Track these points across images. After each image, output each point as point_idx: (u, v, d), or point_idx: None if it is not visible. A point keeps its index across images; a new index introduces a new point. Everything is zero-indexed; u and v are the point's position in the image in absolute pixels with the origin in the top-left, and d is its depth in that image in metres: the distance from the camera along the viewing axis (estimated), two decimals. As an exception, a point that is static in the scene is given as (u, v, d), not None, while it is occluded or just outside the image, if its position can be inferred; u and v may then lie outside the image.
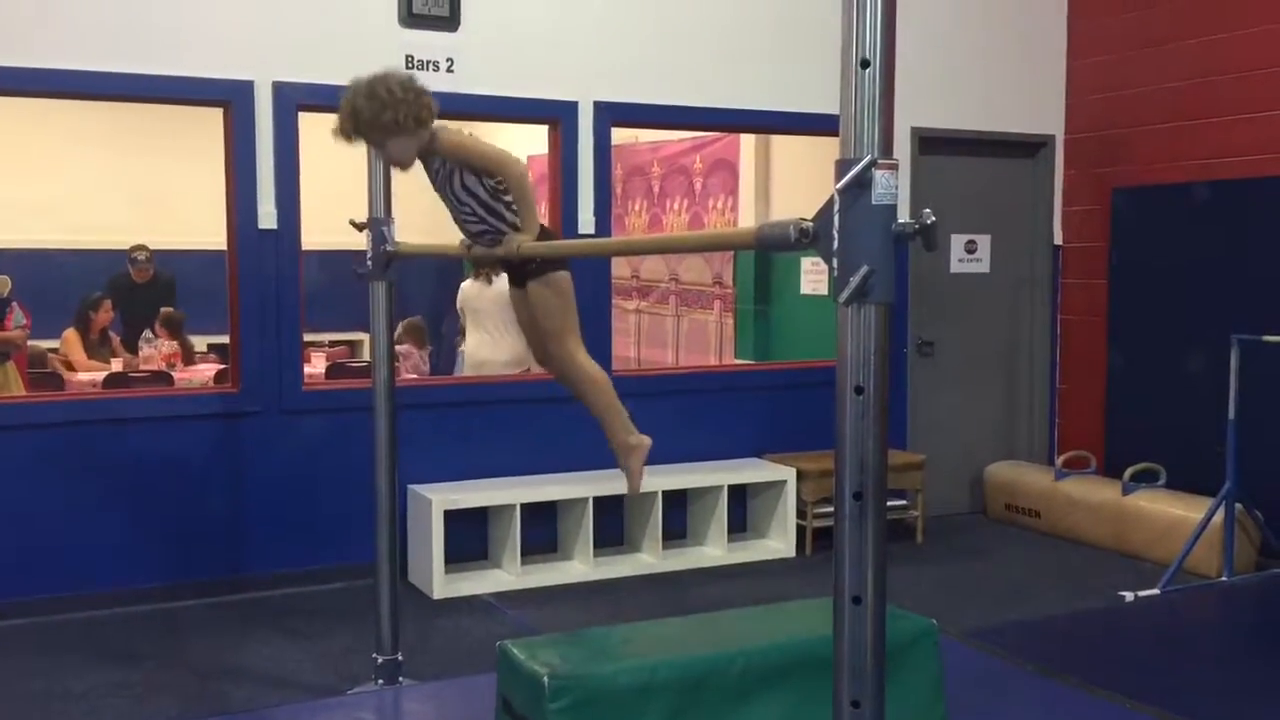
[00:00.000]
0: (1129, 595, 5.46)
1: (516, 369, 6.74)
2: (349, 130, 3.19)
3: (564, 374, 3.55)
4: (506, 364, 6.83)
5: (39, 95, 5.55)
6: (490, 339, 6.95)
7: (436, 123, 3.28)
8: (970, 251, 7.16)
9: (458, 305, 7.31)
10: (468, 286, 7.19)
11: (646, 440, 3.52)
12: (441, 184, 3.35)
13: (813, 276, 7.64)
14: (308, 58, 5.43)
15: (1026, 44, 7.09)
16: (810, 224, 1.82)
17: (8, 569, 5.11)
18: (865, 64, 1.69)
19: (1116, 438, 6.87)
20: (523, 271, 3.40)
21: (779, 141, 7.99)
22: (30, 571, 5.15)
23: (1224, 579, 5.64)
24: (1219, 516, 5.62)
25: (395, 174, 3.72)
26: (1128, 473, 6.26)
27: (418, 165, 3.38)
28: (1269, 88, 6.08)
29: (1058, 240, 7.30)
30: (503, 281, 6.40)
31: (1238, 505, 5.64)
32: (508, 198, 3.30)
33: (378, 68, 3.26)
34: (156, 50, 5.19)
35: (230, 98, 5.36)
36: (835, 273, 1.75)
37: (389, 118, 3.13)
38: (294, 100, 5.44)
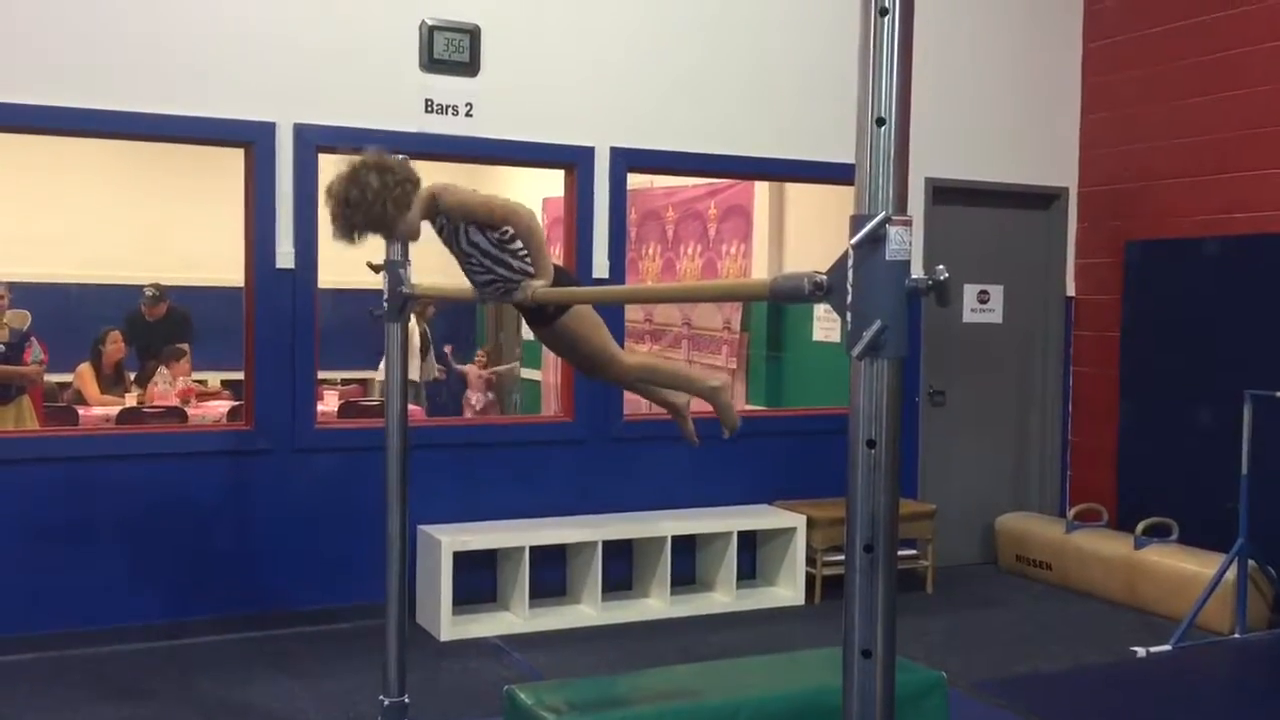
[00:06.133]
0: (1141, 651, 5.42)
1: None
2: (348, 235, 3.16)
3: (621, 379, 3.66)
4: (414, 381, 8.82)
5: (63, 134, 5.63)
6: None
7: (437, 184, 3.28)
8: (983, 302, 7.18)
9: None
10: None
11: (724, 377, 3.67)
12: (448, 240, 3.39)
13: (825, 323, 7.65)
14: (329, 100, 5.51)
15: (1041, 98, 7.14)
16: (824, 277, 1.83)
17: (18, 602, 5.12)
18: (881, 122, 1.71)
19: (1128, 491, 6.85)
20: (543, 311, 3.42)
21: (793, 188, 8.04)
22: (40, 605, 5.16)
23: (1236, 636, 5.60)
24: (1232, 572, 5.59)
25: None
26: (1140, 526, 6.23)
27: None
28: (1281, 145, 6.12)
29: (1070, 292, 7.32)
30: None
31: (1251, 561, 5.60)
32: (513, 245, 3.32)
33: (350, 167, 3.18)
34: (180, 91, 5.27)
35: (252, 139, 5.43)
36: (849, 326, 1.77)
37: (378, 212, 3.11)
38: (314, 142, 5.50)
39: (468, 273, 3.43)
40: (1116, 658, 5.40)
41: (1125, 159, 6.97)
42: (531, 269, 3.31)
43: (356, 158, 3.21)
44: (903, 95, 1.71)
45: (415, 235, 3.33)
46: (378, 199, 3.11)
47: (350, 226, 3.15)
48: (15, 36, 5.03)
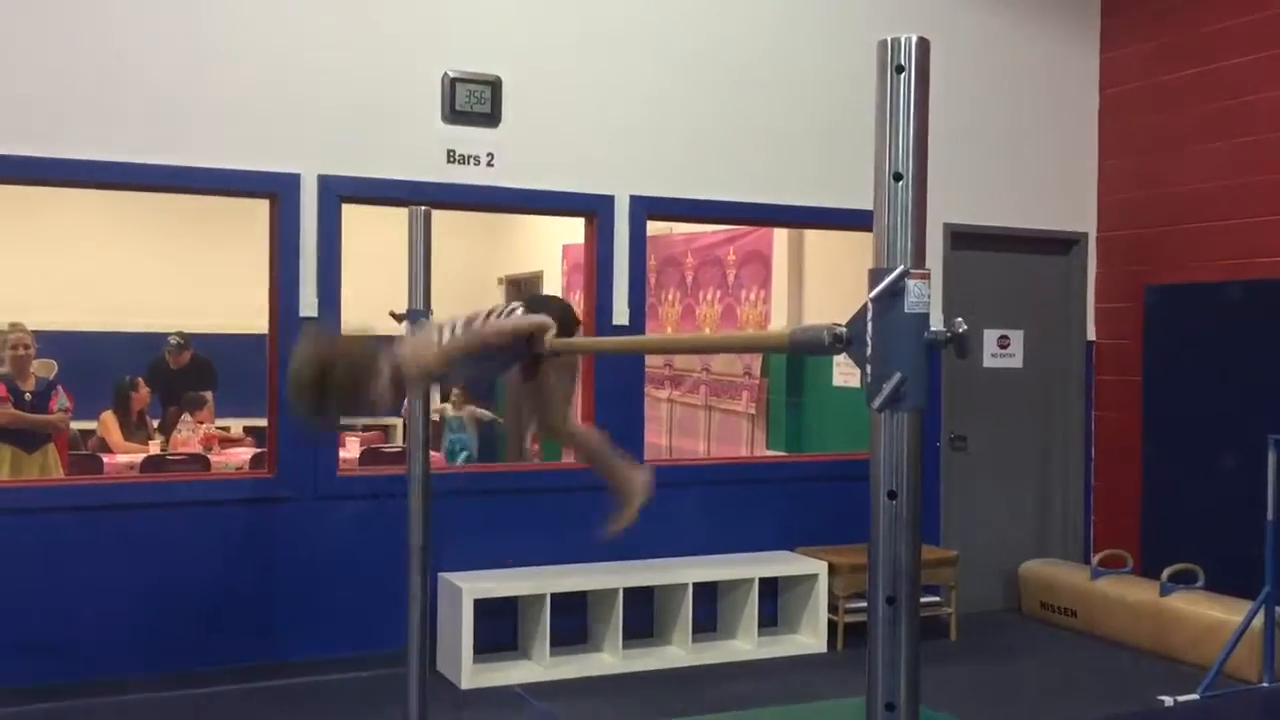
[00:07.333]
0: (1168, 700, 5.35)
1: None
2: (333, 416, 3.04)
3: (569, 440, 3.50)
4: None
5: (90, 186, 5.73)
6: None
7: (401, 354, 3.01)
8: (1003, 347, 7.17)
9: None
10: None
11: (649, 471, 3.43)
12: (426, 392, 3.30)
13: (845, 369, 7.65)
14: (353, 152, 5.58)
15: (1059, 143, 7.17)
16: (844, 329, 1.84)
17: (41, 651, 5.13)
18: (898, 177, 1.73)
19: (1152, 537, 6.79)
20: (539, 357, 3.27)
21: (811, 233, 8.07)
22: (63, 653, 5.16)
23: (1265, 684, 5.52)
24: (1259, 620, 5.52)
25: (435, 264, 3.81)
26: (1166, 573, 6.17)
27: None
28: (1301, 189, 6.11)
29: (1091, 336, 7.30)
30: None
31: (1278, 608, 5.53)
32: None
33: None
34: (206, 143, 5.35)
35: (277, 189, 5.51)
36: (869, 378, 1.78)
37: (348, 383, 2.80)
38: (338, 192, 5.58)
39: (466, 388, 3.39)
40: (1144, 707, 5.33)
41: (1143, 204, 6.97)
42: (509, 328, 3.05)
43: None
44: (919, 151, 1.73)
45: (395, 396, 3.03)
46: (347, 374, 2.81)
47: (333, 406, 2.87)
48: (41, 90, 5.13)
